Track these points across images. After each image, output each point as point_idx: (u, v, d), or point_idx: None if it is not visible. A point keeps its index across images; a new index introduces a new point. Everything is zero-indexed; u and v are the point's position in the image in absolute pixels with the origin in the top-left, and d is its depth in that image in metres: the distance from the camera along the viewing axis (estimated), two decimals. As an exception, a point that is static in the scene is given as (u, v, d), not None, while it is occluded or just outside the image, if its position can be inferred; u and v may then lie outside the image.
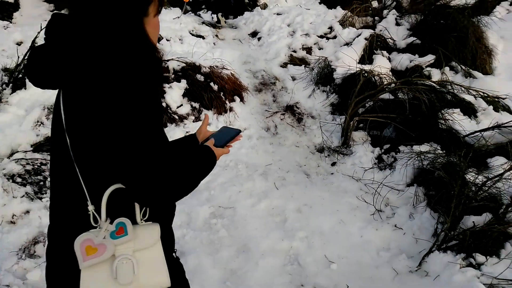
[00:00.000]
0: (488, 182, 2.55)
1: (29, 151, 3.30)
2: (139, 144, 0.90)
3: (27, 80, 3.97)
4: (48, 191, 3.02)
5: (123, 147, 0.88)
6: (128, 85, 0.91)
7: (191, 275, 2.38)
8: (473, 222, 2.34)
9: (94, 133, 0.90)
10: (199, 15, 10.20)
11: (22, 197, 2.88)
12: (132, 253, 0.95)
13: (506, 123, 3.22)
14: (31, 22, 7.66)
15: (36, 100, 3.89)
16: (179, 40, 5.88)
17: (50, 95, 3.94)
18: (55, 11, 1.04)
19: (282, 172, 3.63)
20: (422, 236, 2.63)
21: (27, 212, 2.81)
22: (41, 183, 3.07)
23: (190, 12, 8.68)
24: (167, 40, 5.64)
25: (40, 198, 2.94)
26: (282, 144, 4.18)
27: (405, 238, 2.69)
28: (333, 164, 3.80)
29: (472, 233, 2.29)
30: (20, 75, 4.05)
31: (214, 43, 6.46)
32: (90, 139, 0.91)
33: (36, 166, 3.15)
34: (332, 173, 3.65)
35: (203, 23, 7.25)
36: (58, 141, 1.00)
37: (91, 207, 0.96)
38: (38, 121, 3.64)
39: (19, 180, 3.01)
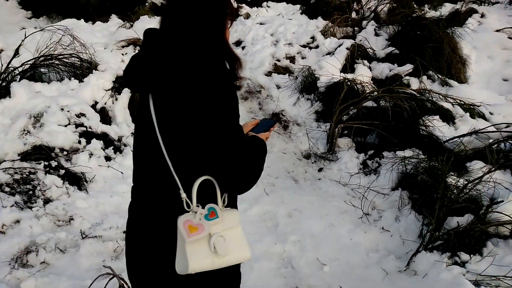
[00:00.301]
0: (469, 185, 2.70)
1: (17, 160, 3.25)
2: (230, 139, 1.07)
3: (11, 89, 3.92)
4: (38, 200, 2.99)
5: (217, 143, 1.06)
6: (217, 88, 1.07)
7: (188, 280, 2.42)
8: (457, 222, 2.47)
9: (189, 132, 1.07)
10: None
11: (12, 206, 2.84)
12: (222, 232, 1.12)
13: (482, 129, 3.41)
14: (10, 29, 7.53)
15: (22, 108, 3.84)
16: (164, 48, 5.90)
17: (36, 104, 3.90)
18: (148, 27, 1.17)
19: (271, 178, 3.71)
20: (408, 238, 2.75)
21: (17, 221, 2.78)
22: (30, 192, 3.03)
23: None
24: (152, 49, 5.66)
25: (30, 207, 2.91)
26: (269, 151, 4.25)
27: (392, 239, 2.80)
28: (320, 169, 3.91)
29: (456, 233, 2.43)
30: (4, 83, 3.99)
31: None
32: (184, 137, 1.08)
33: (24, 175, 3.11)
34: (319, 179, 3.75)
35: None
36: (147, 139, 1.16)
37: (184, 195, 1.11)
38: (24, 130, 3.59)
39: (7, 189, 2.97)
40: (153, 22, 6.68)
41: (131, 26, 6.59)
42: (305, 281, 2.44)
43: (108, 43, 5.70)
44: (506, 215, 2.44)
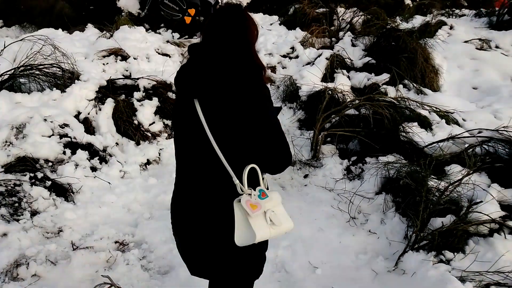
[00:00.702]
0: (450, 187, 2.86)
1: (1, 172, 3.18)
2: (274, 128, 1.37)
3: (-8, 99, 3.84)
4: (25, 212, 2.93)
5: (264, 132, 1.34)
6: (258, 89, 1.36)
7: (185, 287, 2.43)
8: (442, 222, 2.61)
9: (238, 127, 1.33)
10: (160, 33, 10.26)
11: (-2, 219, 2.78)
12: (273, 208, 1.40)
13: (458, 135, 3.61)
14: (-17, 39, 7.29)
15: (2, 119, 3.75)
16: (146, 58, 5.91)
17: (17, 115, 3.82)
18: (192, 43, 1.44)
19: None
20: (394, 239, 2.87)
21: (4, 234, 2.71)
22: (16, 204, 2.97)
23: (149, 30, 8.78)
24: (134, 59, 5.65)
25: (17, 220, 2.85)
26: (255, 159, 4.33)
27: (379, 241, 2.92)
28: (306, 176, 4.01)
29: (439, 233, 2.56)
30: (-16, 94, 3.90)
31: (180, 62, 6.54)
32: (234, 132, 1.34)
33: (9, 187, 3.04)
34: (305, 185, 3.85)
35: (167, 41, 7.32)
36: (195, 138, 1.40)
37: (237, 181, 1.36)
38: (6, 141, 3.51)
39: (-8, 202, 2.90)
40: (134, 32, 6.65)
41: (111, 36, 6.55)
42: (299, 284, 2.50)
43: (89, 53, 5.65)
44: (485, 214, 2.60)
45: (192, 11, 8.66)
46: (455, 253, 2.45)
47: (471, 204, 2.74)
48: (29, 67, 4.54)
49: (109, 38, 6.46)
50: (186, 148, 1.47)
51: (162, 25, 14.09)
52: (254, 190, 1.38)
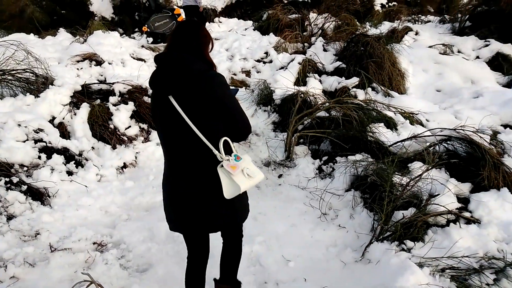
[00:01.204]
0: (411, 182, 3.07)
1: (-25, 177, 3.17)
2: (237, 106, 1.83)
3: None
4: (1, 217, 2.94)
5: (231, 110, 1.80)
6: (220, 79, 1.80)
7: (163, 282, 2.52)
8: (403, 214, 2.81)
9: (210, 110, 1.75)
10: (134, 38, 10.26)
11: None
12: (247, 166, 1.85)
13: (420, 134, 3.85)
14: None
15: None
16: (121, 63, 5.94)
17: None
18: (156, 54, 1.84)
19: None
20: (362, 232, 3.05)
21: (-20, 239, 2.73)
22: (-8, 209, 2.98)
23: (123, 35, 8.85)
24: (109, 64, 5.68)
25: (-7, 224, 2.86)
26: (231, 160, 4.45)
27: (348, 235, 3.09)
28: (280, 176, 4.16)
29: (402, 225, 2.76)
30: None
31: (155, 66, 6.59)
32: (207, 115, 1.75)
33: (-16, 192, 3.05)
34: (279, 184, 4.00)
35: (142, 46, 7.35)
36: (175, 126, 1.79)
37: (216, 152, 1.78)
38: (-21, 147, 3.50)
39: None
40: (108, 37, 6.67)
41: (85, 40, 6.54)
42: (273, 276, 2.64)
43: (62, 58, 5.64)
44: (443, 206, 2.82)
45: (178, 11, 8.89)
46: (415, 242, 2.65)
47: (430, 197, 2.96)
48: (1, 73, 4.51)
49: (82, 43, 6.45)
50: (171, 136, 1.85)
51: (136, 29, 14.05)
52: (230, 156, 1.80)
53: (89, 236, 2.93)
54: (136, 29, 13.22)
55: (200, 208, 1.87)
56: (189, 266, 2.14)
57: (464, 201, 3.12)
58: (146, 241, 2.96)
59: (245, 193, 2.00)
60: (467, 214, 2.92)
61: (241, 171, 1.80)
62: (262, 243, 2.96)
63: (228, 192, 1.80)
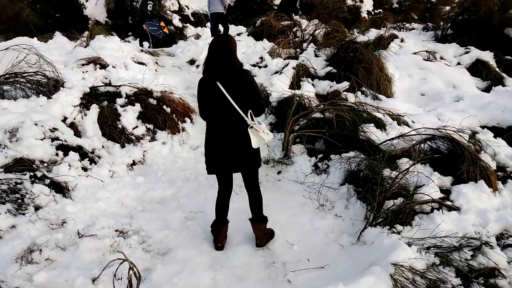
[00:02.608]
0: (399, 175, 3.45)
1: (1, 172, 3.42)
2: (260, 92, 2.86)
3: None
4: (29, 207, 3.20)
5: (257, 94, 2.80)
6: (249, 73, 2.81)
7: (184, 263, 2.83)
8: (393, 201, 3.18)
9: (245, 93, 2.75)
10: (129, 42, 10.54)
11: (6, 213, 3.03)
12: (265, 128, 2.84)
13: (406, 133, 4.25)
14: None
15: (-5, 124, 3.96)
16: (124, 66, 6.21)
17: (8, 120, 4.04)
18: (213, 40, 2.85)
19: (238, 181, 4.18)
20: (357, 220, 3.41)
21: (13, 226, 2.98)
22: (19, 200, 3.23)
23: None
24: (113, 67, 5.94)
25: (23, 214, 3.12)
26: (232, 158, 4.78)
27: (344, 223, 3.45)
28: (279, 172, 4.51)
29: (392, 212, 3.12)
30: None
31: (156, 70, 6.89)
32: (243, 96, 2.75)
33: (11, 185, 3.30)
34: (279, 180, 4.34)
35: (141, 50, 7.63)
36: (221, 103, 2.73)
37: (246, 119, 2.76)
38: (1, 144, 3.75)
39: (-3, 198, 3.15)
40: (109, 41, 6.92)
41: (87, 45, 6.78)
42: (280, 258, 2.97)
43: (67, 61, 5.89)
44: (427, 194, 3.21)
45: (163, 24, 9.34)
46: (404, 226, 3.02)
47: (416, 188, 3.34)
48: (13, 75, 4.75)
49: (85, 47, 6.70)
50: (218, 109, 2.76)
51: (129, 33, 14.25)
52: (254, 122, 2.77)
53: (110, 225, 3.21)
54: (130, 33, 13.45)
55: (237, 155, 2.81)
56: (219, 197, 3.08)
57: (446, 192, 3.52)
58: (163, 229, 3.26)
59: (259, 149, 2.92)
60: (449, 203, 3.32)
61: (262, 131, 2.78)
62: (268, 230, 3.29)
63: (256, 143, 2.77)
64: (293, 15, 10.76)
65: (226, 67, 2.69)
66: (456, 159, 3.74)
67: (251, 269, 2.81)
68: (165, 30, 9.29)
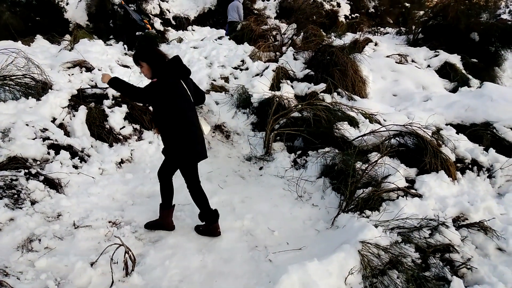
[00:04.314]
0: (369, 167, 3.80)
1: (-4, 169, 3.60)
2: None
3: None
4: (25, 202, 3.39)
5: (202, 91, 3.48)
6: None
7: (175, 247, 3.09)
8: (363, 190, 3.53)
9: (195, 89, 3.33)
10: (111, 45, 10.69)
11: (4, 207, 3.22)
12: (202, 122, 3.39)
13: (376, 130, 4.62)
14: None
15: (-13, 125, 4.12)
16: (110, 69, 6.40)
17: (0, 121, 4.20)
18: (174, 56, 3.24)
19: (222, 177, 4.50)
20: (331, 208, 3.74)
21: (11, 219, 3.18)
22: (16, 196, 3.42)
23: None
24: (99, 70, 6.13)
25: (20, 208, 3.31)
26: (216, 156, 5.06)
27: (320, 211, 3.78)
28: (261, 168, 4.81)
29: (362, 199, 3.47)
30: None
31: (140, 72, 7.08)
32: (195, 92, 3.32)
33: (7, 182, 3.48)
34: (261, 175, 4.64)
35: (125, 54, 7.81)
36: (187, 96, 3.16)
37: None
38: (-6, 144, 3.91)
39: (-6, 194, 3.33)
40: (94, 44, 7.10)
41: (72, 48, 6.93)
42: (262, 242, 3.26)
43: (53, 65, 6.04)
44: (393, 183, 3.57)
45: (146, 21, 9.70)
46: (373, 211, 3.37)
47: (384, 178, 3.70)
48: (2, 78, 4.89)
49: (70, 50, 6.85)
50: (186, 102, 3.14)
51: (111, 36, 14.35)
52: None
53: (104, 217, 3.44)
54: (111, 37, 13.54)
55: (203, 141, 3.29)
56: (200, 187, 3.29)
57: (411, 181, 3.90)
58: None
59: None
60: (413, 191, 3.69)
61: (205, 123, 3.35)
62: (250, 219, 3.59)
63: (206, 131, 3.29)
64: (273, 19, 11.12)
65: (188, 71, 3.19)
66: (421, 152, 4.13)
67: (236, 252, 3.10)
68: (148, 26, 9.65)
